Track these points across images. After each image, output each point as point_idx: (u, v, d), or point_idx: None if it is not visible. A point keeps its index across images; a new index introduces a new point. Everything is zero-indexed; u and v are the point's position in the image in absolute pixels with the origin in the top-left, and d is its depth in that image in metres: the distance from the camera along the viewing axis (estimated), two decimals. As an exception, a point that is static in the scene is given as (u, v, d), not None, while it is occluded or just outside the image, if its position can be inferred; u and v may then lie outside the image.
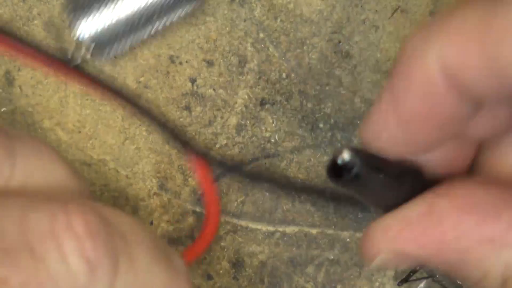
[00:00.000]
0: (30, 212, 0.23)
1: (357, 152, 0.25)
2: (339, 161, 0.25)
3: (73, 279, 0.23)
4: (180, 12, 0.34)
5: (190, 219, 0.37)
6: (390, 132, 0.24)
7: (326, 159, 0.36)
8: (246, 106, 0.36)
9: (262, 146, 0.37)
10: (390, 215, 0.26)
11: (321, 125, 0.36)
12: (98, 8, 0.34)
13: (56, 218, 0.23)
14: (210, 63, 0.36)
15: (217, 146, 0.37)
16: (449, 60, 0.20)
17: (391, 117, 0.23)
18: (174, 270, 0.27)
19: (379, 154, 0.26)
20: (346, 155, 0.25)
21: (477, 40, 0.20)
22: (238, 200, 0.37)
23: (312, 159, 0.36)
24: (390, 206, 0.27)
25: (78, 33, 0.34)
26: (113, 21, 0.34)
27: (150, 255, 0.26)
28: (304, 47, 0.36)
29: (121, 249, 0.24)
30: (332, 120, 0.36)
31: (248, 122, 0.37)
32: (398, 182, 0.26)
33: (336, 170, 0.25)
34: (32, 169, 0.26)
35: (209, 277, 0.37)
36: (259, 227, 0.37)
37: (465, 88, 0.21)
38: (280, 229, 0.37)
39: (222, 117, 0.37)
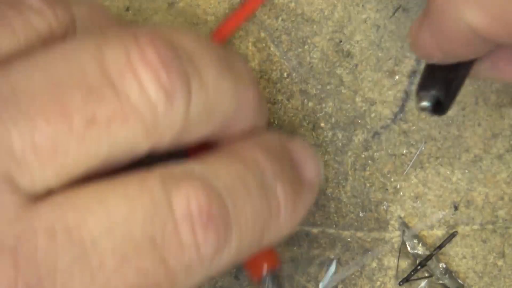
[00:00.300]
0: (105, 48, 0.24)
1: (426, 87, 0.28)
2: (429, 109, 0.28)
3: (153, 108, 0.24)
4: None
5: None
6: (436, 57, 0.29)
7: (327, 158, 0.36)
8: (247, 105, 0.36)
9: (263, 145, 0.37)
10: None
11: (322, 125, 0.36)
12: None
13: (130, 51, 0.24)
14: (211, 62, 0.36)
15: (218, 145, 0.37)
16: (478, 27, 0.26)
17: (435, 51, 0.28)
18: (240, 79, 0.28)
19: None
20: (426, 103, 0.28)
21: (500, 16, 0.25)
22: (239, 200, 0.37)
23: (313, 159, 0.36)
24: None
25: None
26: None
27: (216, 70, 0.26)
28: (305, 46, 0.36)
29: (191, 71, 0.25)
30: (333, 120, 0.36)
31: (249, 121, 0.37)
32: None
33: (433, 112, 0.28)
34: (86, 19, 0.27)
35: (211, 276, 0.37)
36: (260, 226, 0.37)
37: (489, 42, 0.26)
38: (281, 228, 0.37)
39: (223, 116, 0.37)
